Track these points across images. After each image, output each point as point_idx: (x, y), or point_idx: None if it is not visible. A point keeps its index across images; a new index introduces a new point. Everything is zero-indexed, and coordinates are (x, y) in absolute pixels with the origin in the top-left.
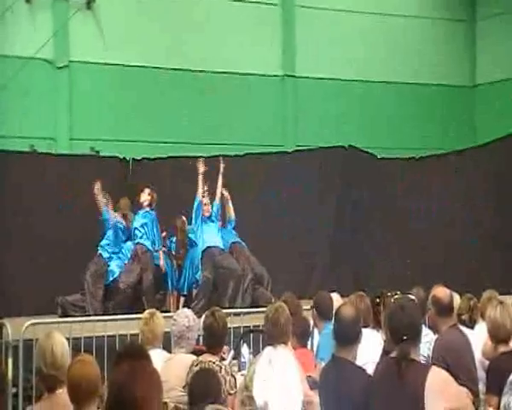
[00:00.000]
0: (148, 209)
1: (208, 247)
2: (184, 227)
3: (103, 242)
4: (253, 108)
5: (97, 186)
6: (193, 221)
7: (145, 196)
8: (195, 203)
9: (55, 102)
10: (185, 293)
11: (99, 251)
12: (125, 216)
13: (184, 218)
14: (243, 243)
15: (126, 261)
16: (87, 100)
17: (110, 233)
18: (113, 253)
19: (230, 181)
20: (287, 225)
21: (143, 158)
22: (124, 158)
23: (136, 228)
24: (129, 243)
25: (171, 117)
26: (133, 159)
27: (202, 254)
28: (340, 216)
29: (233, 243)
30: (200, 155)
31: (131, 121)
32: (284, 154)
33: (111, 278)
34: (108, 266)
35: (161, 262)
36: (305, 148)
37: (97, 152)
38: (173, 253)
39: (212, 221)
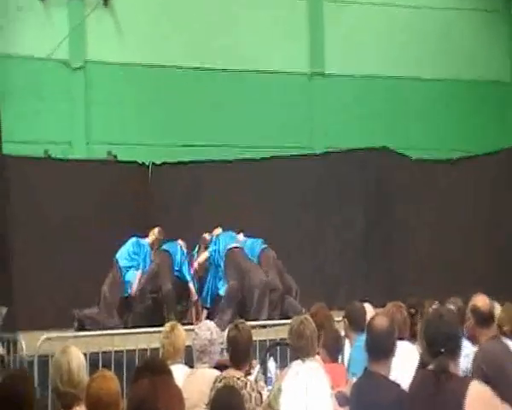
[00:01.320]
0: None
1: (230, 249)
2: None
3: (123, 252)
4: (278, 108)
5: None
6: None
7: (151, 237)
8: None
9: (71, 105)
10: (208, 306)
11: (117, 261)
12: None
13: (207, 236)
14: (272, 251)
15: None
16: (104, 102)
17: (131, 244)
18: (131, 266)
19: (255, 186)
20: (314, 232)
21: (164, 163)
22: (143, 163)
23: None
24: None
25: (193, 119)
26: (153, 164)
27: (225, 257)
28: (370, 222)
29: (262, 250)
30: (223, 158)
31: (151, 124)
32: (312, 156)
33: (129, 290)
34: (125, 277)
35: (192, 292)
36: (335, 149)
37: (115, 157)
38: (195, 263)
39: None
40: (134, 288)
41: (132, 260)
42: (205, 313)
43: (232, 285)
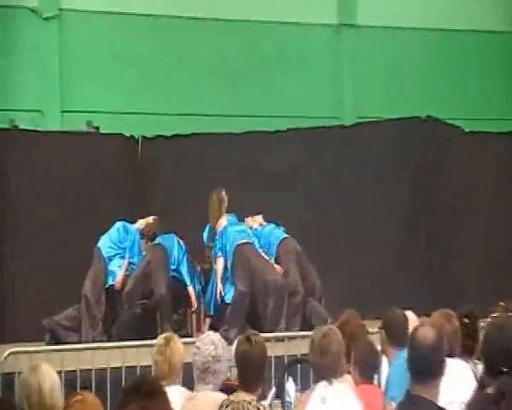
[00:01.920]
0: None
1: (239, 245)
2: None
3: (106, 240)
4: (300, 70)
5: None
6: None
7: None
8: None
9: (42, 64)
10: (211, 313)
11: (99, 250)
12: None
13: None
14: (293, 241)
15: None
16: (82, 60)
17: (116, 229)
18: (116, 254)
19: (268, 164)
20: (343, 221)
21: (157, 136)
22: (131, 136)
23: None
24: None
25: (193, 82)
26: (143, 137)
27: (233, 255)
28: (413, 209)
29: (281, 240)
30: (232, 131)
31: (141, 88)
32: (341, 128)
33: (111, 282)
34: (108, 267)
35: (192, 299)
36: (369, 120)
37: (96, 128)
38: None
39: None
40: (119, 279)
41: (117, 249)
42: (207, 322)
43: (241, 290)
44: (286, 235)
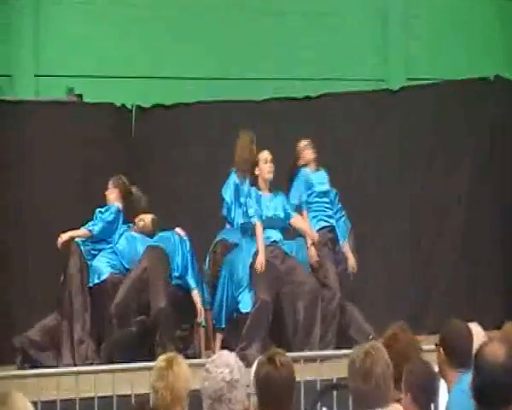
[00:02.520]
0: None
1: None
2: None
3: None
4: (336, 21)
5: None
6: (228, 195)
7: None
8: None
9: (11, 16)
10: (223, 326)
11: (78, 245)
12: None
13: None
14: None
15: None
16: (61, 11)
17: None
18: (101, 249)
19: (300, 135)
20: (390, 209)
21: (154, 105)
22: (123, 105)
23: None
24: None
25: (199, 37)
26: (138, 106)
27: (253, 257)
28: (479, 196)
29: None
30: (250, 98)
31: (134, 45)
32: (388, 93)
33: (96, 280)
34: (91, 265)
35: (198, 306)
36: (421, 83)
37: (79, 96)
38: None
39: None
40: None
41: (102, 243)
42: (219, 338)
43: (262, 298)
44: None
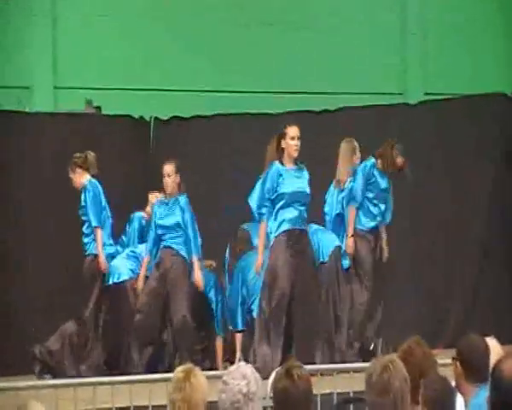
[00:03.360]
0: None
1: (284, 231)
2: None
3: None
4: (355, 35)
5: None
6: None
7: (169, 173)
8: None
9: (31, 29)
10: (241, 328)
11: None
12: None
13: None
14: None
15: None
16: (81, 24)
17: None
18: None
19: (317, 149)
20: (407, 222)
21: (172, 117)
22: (141, 118)
23: (160, 225)
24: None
25: (217, 52)
26: (156, 119)
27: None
28: (496, 207)
29: None
30: (266, 111)
31: (152, 58)
32: (405, 107)
33: (115, 280)
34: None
35: (196, 275)
36: (439, 97)
37: (98, 108)
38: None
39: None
40: (139, 282)
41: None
42: (239, 340)
43: (280, 294)
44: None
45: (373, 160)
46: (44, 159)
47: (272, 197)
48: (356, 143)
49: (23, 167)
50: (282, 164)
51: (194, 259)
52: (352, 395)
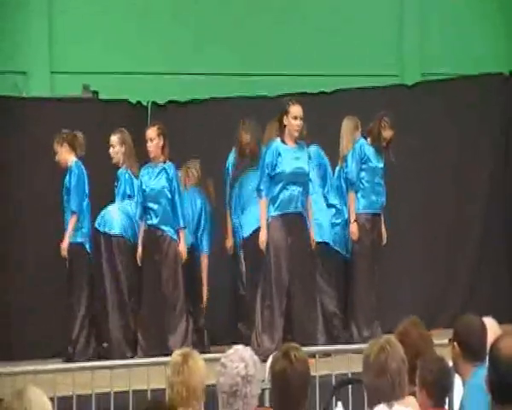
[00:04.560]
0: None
1: (281, 214)
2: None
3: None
4: (352, 15)
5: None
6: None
7: (152, 138)
8: None
9: (27, 15)
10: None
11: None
12: None
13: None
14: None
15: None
16: (75, 7)
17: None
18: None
19: (314, 132)
20: (403, 204)
21: (170, 102)
22: (139, 103)
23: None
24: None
25: (215, 33)
26: (154, 103)
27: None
28: (497, 189)
29: None
30: (264, 93)
31: (150, 41)
32: (402, 88)
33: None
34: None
35: (181, 246)
36: (436, 78)
37: (95, 93)
38: None
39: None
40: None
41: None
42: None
43: (278, 276)
44: None
45: (362, 139)
46: (42, 144)
47: (272, 174)
48: (358, 120)
49: (24, 148)
50: (283, 142)
51: (180, 229)
52: (350, 376)
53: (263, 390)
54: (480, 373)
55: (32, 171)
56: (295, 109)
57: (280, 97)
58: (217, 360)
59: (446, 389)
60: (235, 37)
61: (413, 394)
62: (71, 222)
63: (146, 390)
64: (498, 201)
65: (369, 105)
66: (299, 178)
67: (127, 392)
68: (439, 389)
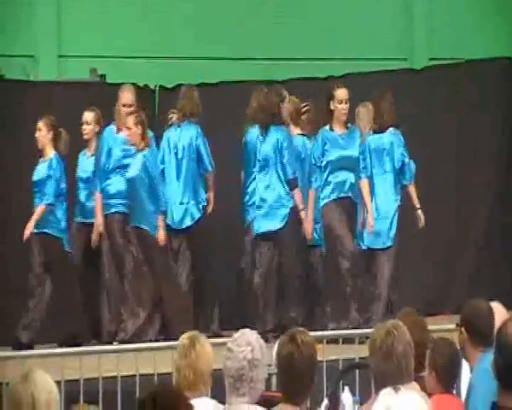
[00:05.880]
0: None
1: (334, 199)
2: None
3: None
4: (359, 4)
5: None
6: None
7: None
8: None
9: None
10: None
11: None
12: None
13: None
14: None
15: None
16: None
17: None
18: None
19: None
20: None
21: (178, 85)
22: (146, 86)
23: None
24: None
25: (223, 17)
26: (161, 87)
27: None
28: (503, 181)
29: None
30: (272, 77)
31: (157, 25)
32: (410, 72)
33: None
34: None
35: (160, 233)
36: (444, 62)
37: (102, 77)
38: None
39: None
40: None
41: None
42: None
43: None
44: None
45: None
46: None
47: (320, 164)
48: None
49: (31, 128)
50: (331, 129)
51: (159, 216)
52: (357, 360)
53: (270, 375)
54: (488, 358)
55: (37, 157)
56: (341, 93)
57: (287, 81)
58: (224, 344)
59: (456, 374)
60: (240, 22)
61: (415, 380)
62: (37, 212)
63: (153, 374)
64: (505, 193)
65: (377, 89)
66: (349, 164)
67: (134, 376)
68: (448, 372)
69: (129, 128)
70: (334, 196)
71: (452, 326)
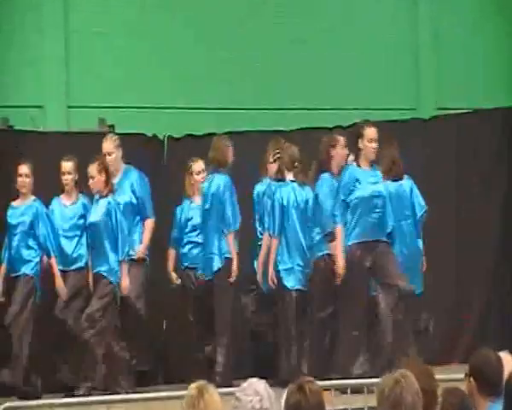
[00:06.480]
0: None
1: (359, 242)
2: None
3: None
4: (368, 50)
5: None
6: None
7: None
8: None
9: (44, 50)
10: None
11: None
12: None
13: None
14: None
15: None
16: (92, 46)
17: None
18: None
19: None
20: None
21: (187, 135)
22: (155, 136)
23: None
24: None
25: (231, 69)
26: (170, 137)
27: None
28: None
29: None
30: (281, 128)
31: (166, 76)
32: (418, 121)
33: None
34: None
35: (123, 282)
36: (452, 112)
37: (111, 127)
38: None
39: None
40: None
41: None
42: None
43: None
44: None
45: None
46: (58, 178)
47: (347, 200)
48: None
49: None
50: (359, 165)
51: (122, 263)
52: None
53: None
54: (496, 408)
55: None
56: (371, 132)
57: (295, 132)
58: (232, 393)
59: None
60: (248, 73)
61: None
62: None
63: None
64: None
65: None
66: (378, 202)
67: None
68: None
69: (92, 177)
70: (360, 238)
71: (460, 376)
